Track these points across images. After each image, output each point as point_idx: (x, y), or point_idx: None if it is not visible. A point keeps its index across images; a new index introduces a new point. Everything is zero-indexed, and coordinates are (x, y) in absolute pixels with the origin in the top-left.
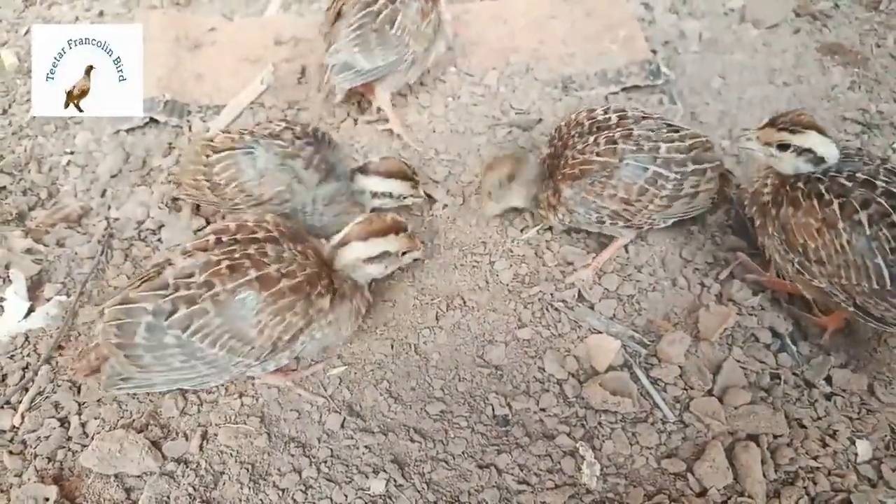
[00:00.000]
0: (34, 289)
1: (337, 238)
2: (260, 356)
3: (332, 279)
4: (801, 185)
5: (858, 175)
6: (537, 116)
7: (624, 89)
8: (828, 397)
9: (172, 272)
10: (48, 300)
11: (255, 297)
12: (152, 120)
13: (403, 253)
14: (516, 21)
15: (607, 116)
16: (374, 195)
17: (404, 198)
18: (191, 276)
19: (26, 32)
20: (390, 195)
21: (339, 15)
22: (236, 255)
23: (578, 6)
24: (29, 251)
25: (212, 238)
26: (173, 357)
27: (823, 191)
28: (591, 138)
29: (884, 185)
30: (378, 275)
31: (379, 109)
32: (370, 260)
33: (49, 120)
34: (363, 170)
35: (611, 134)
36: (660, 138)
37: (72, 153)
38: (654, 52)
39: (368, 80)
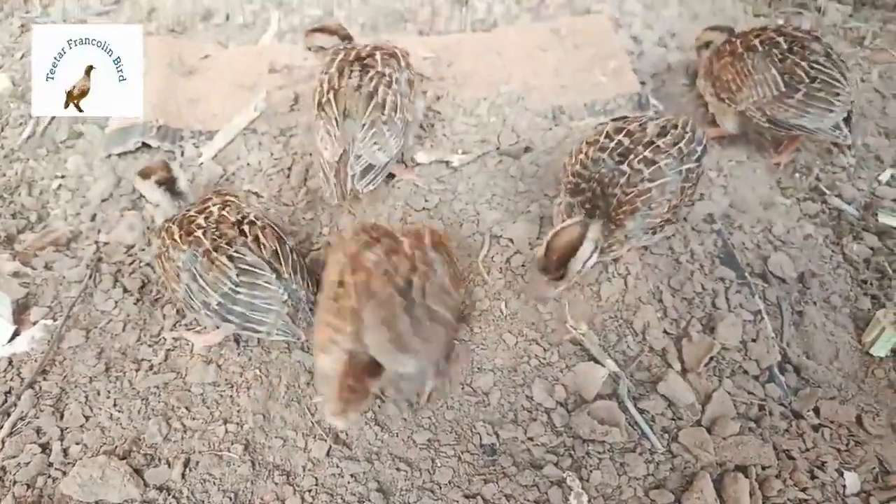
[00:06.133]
0: (20, 312)
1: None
2: None
3: None
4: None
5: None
6: (526, 145)
7: (613, 120)
8: (816, 429)
9: None
10: (34, 324)
11: None
12: (144, 145)
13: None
14: (508, 52)
15: (617, 140)
16: None
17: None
18: None
19: (22, 57)
20: None
21: (345, 115)
22: None
23: (569, 39)
24: (16, 274)
25: None
26: None
27: (733, 40)
28: (626, 167)
29: (784, 29)
30: None
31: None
32: None
33: (41, 143)
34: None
35: (640, 154)
36: (674, 138)
37: (63, 177)
38: (643, 83)
39: (388, 170)
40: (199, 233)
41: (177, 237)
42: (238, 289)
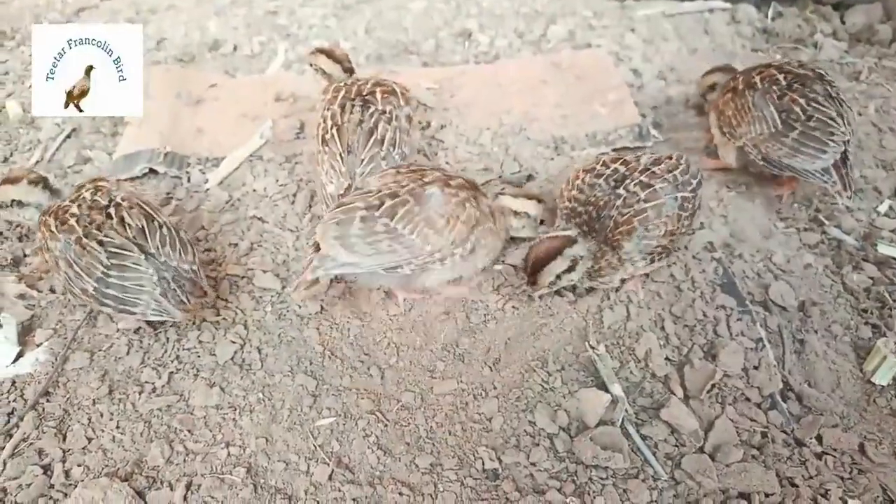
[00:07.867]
0: (25, 334)
1: (496, 189)
2: (442, 247)
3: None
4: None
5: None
6: (529, 174)
7: (614, 150)
8: (819, 456)
9: (371, 184)
10: (38, 346)
11: (440, 193)
12: (151, 171)
13: (541, 222)
14: (509, 84)
15: (613, 167)
16: (516, 214)
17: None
18: (385, 185)
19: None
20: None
21: (349, 150)
22: (416, 175)
23: (570, 72)
24: (22, 296)
25: (392, 171)
26: (381, 242)
27: (737, 76)
28: (622, 190)
29: (786, 66)
30: (513, 231)
31: None
32: (515, 214)
33: (49, 168)
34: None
35: (636, 179)
36: (668, 166)
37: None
38: (643, 115)
39: None
40: (72, 221)
41: (53, 227)
42: (110, 272)
